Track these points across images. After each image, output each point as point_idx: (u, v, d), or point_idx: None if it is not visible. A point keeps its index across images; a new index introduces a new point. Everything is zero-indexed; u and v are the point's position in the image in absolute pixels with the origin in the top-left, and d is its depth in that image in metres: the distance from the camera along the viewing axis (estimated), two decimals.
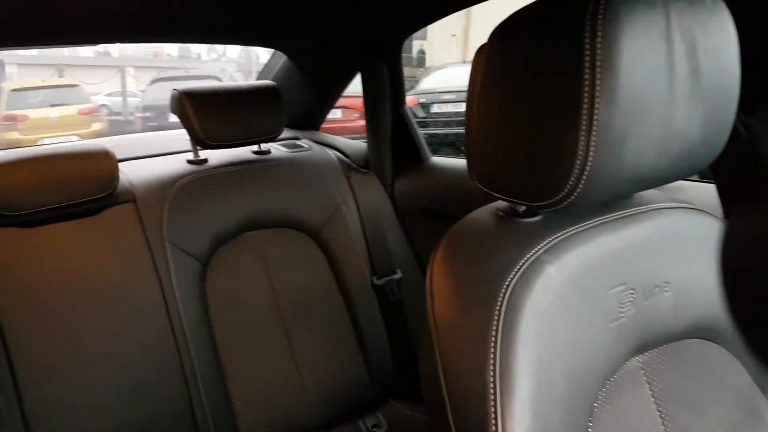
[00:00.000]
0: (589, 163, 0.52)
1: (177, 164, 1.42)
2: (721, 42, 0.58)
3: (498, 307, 0.56)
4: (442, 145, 5.42)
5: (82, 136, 7.12)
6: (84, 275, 1.20)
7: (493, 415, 0.53)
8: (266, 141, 1.49)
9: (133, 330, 1.22)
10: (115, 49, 14.62)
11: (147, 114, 8.81)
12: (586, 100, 0.51)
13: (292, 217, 1.46)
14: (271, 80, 1.67)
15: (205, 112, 1.36)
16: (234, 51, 16.98)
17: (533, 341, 0.55)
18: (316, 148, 1.66)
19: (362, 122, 1.64)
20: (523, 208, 0.65)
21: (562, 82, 0.53)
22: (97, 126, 8.17)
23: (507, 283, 0.58)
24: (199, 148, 1.44)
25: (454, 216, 0.70)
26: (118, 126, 10.15)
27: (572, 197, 0.55)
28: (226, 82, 1.69)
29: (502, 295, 0.57)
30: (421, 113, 5.84)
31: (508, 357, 0.54)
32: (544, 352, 0.56)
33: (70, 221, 1.22)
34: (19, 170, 1.18)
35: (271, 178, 1.47)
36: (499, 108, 0.60)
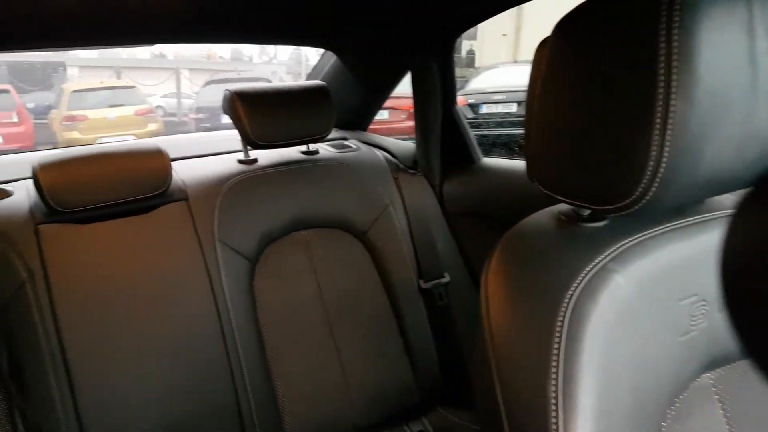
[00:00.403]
0: (663, 165, 0.49)
1: (228, 164, 1.43)
2: None
3: (560, 319, 0.53)
4: (494, 146, 5.35)
5: (138, 136, 7.36)
6: (136, 272, 1.22)
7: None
8: (315, 141, 1.49)
9: (182, 326, 1.23)
10: (171, 51, 15.13)
11: (200, 115, 9.06)
12: (660, 97, 0.47)
13: (339, 218, 1.46)
14: (320, 80, 1.67)
15: (256, 112, 1.37)
16: (285, 53, 17.29)
17: (598, 355, 0.52)
18: (364, 148, 1.65)
19: (409, 123, 1.62)
20: (588, 211, 0.62)
21: (634, 78, 0.49)
22: (152, 126, 8.44)
23: (570, 292, 0.54)
24: (249, 148, 1.45)
25: (507, 219, 0.68)
26: (173, 127, 10.46)
27: (643, 201, 0.51)
28: (276, 83, 1.71)
29: (564, 305, 0.54)
30: (469, 114, 5.79)
31: (571, 371, 0.51)
32: (609, 366, 0.52)
33: (124, 218, 1.25)
34: (76, 168, 1.21)
35: (319, 178, 1.47)
36: (563, 105, 0.57)
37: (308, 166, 1.48)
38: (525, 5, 1.23)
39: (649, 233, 0.59)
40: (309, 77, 1.89)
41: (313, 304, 1.39)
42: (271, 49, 16.86)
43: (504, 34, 11.31)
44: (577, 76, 0.55)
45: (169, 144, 1.38)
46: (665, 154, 0.48)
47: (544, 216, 0.67)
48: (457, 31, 1.47)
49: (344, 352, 1.39)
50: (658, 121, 0.48)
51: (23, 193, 1.24)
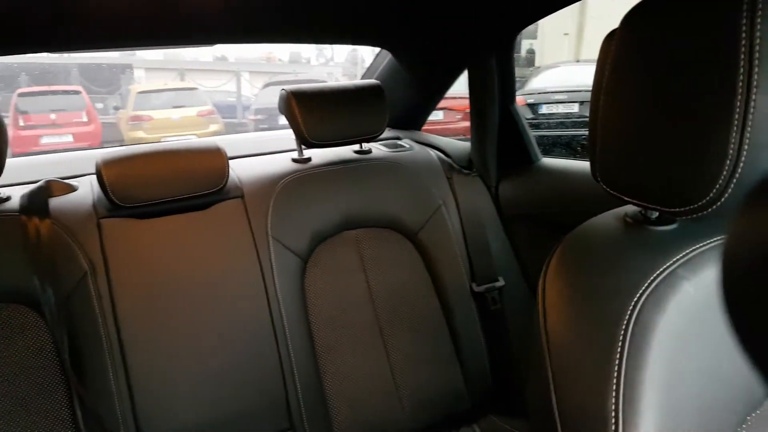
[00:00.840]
0: (741, 165, 0.45)
1: (282, 162, 1.45)
2: None
3: (623, 328, 0.50)
4: (554, 146, 5.22)
5: (200, 137, 7.60)
6: (192, 267, 1.25)
7: None
8: (368, 140, 1.49)
9: (234, 322, 1.25)
10: (232, 54, 15.55)
11: (259, 116, 9.28)
12: (740, 93, 0.44)
13: (390, 218, 1.45)
14: (375, 79, 1.66)
15: (310, 112, 1.38)
16: (341, 55, 17.47)
17: (663, 367, 0.49)
18: (417, 147, 1.64)
19: (464, 124, 1.59)
20: (656, 214, 0.58)
21: (711, 71, 0.46)
22: (213, 127, 8.71)
23: (635, 300, 0.51)
24: (303, 147, 1.46)
25: (567, 222, 0.64)
26: (233, 128, 10.75)
27: (718, 204, 0.47)
28: (331, 83, 1.72)
29: (629, 313, 0.51)
30: (529, 114, 5.68)
31: (633, 383, 0.48)
32: (675, 380, 0.49)
33: (182, 214, 1.28)
34: (137, 164, 1.25)
35: (371, 177, 1.46)
36: (631, 101, 0.53)
37: (361, 165, 1.48)
38: (588, 3, 1.17)
39: (721, 238, 0.55)
40: (364, 77, 1.89)
41: (362, 304, 1.39)
42: (328, 51, 17.11)
43: (566, 33, 11.04)
44: (646, 69, 0.52)
45: (227, 143, 1.41)
46: (743, 153, 0.45)
47: (608, 218, 0.63)
48: (517, 28, 1.43)
49: (394, 354, 1.38)
50: (737, 118, 0.45)
51: (87, 189, 1.29)
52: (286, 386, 1.26)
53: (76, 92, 8.52)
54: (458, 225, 1.51)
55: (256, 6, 1.22)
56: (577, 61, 9.01)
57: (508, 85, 1.51)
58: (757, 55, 0.43)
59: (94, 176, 1.24)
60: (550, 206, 1.44)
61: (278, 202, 1.34)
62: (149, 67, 14.26)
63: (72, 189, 1.28)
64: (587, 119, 0.62)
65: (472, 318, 1.46)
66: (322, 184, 1.40)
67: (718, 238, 0.55)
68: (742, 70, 0.44)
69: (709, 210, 0.49)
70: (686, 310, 0.51)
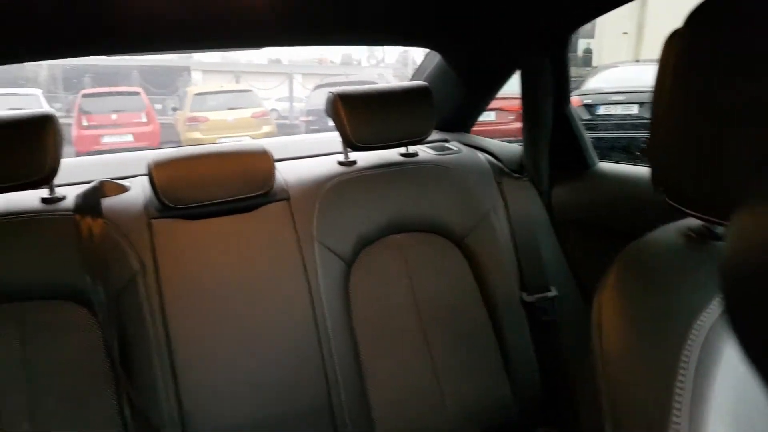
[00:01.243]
0: None
1: (328, 165, 1.45)
2: None
3: (687, 353, 0.46)
4: (612, 149, 5.05)
5: (253, 138, 7.80)
6: (239, 268, 1.26)
7: None
8: (414, 143, 1.47)
9: (278, 324, 1.25)
10: (285, 56, 15.88)
11: (310, 118, 9.44)
12: None
13: (436, 222, 1.42)
14: (423, 81, 1.64)
15: (356, 114, 1.37)
16: (392, 56, 17.58)
17: (731, 398, 0.44)
18: (466, 150, 1.60)
19: (517, 125, 1.54)
20: (722, 229, 0.53)
21: None
22: (266, 128, 8.94)
23: (699, 322, 0.47)
24: (348, 149, 1.46)
25: (625, 233, 0.61)
26: (284, 129, 10.99)
27: None
28: (380, 84, 1.73)
29: (692, 337, 0.47)
30: (585, 115, 5.54)
31: (697, 414, 0.44)
32: (743, 411, 0.44)
33: (230, 216, 1.29)
34: (187, 166, 1.28)
35: (418, 181, 1.44)
36: (696, 102, 0.49)
37: (406, 168, 1.46)
38: (649, 0, 1.11)
39: None
40: (413, 78, 1.88)
41: (407, 310, 1.37)
42: (379, 52, 17.24)
43: (625, 32, 10.72)
44: (713, 68, 0.48)
45: (274, 145, 1.42)
46: None
47: (669, 232, 0.59)
48: (572, 27, 1.38)
49: (439, 362, 1.35)
50: None
51: (139, 189, 1.31)
52: (330, 390, 1.25)
53: (136, 93, 8.91)
54: (508, 231, 1.47)
55: (308, 9, 1.23)
56: (637, 61, 8.75)
57: (562, 87, 1.46)
58: None
59: (146, 177, 1.26)
60: (607, 214, 1.38)
61: (323, 205, 1.33)
62: (206, 69, 14.74)
63: (124, 189, 1.31)
64: (647, 121, 0.58)
65: (522, 328, 1.42)
66: (368, 188, 1.39)
67: None
68: None
69: None
70: None
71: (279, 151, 1.44)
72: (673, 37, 0.54)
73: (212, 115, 8.75)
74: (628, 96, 5.57)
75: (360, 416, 1.26)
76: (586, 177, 1.48)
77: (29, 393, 1.09)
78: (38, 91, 9.28)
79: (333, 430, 1.24)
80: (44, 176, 1.13)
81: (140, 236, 1.22)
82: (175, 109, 10.39)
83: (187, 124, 8.80)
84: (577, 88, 6.13)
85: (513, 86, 1.62)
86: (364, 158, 1.48)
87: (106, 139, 8.05)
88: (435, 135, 1.68)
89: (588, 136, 1.53)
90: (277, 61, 16.36)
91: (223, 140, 7.49)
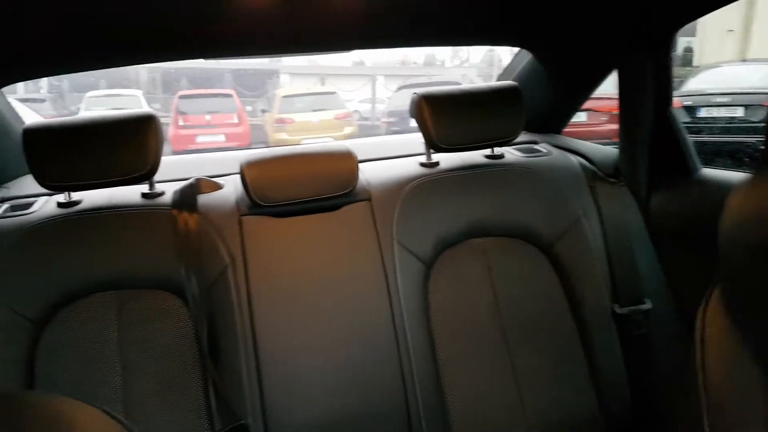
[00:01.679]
0: None
1: (410, 167, 1.45)
2: None
3: None
4: (716, 155, 4.70)
5: (336, 139, 7.97)
6: (321, 265, 1.29)
7: None
8: (500, 145, 1.44)
9: (358, 322, 1.26)
10: (368, 58, 16.10)
11: (392, 119, 9.50)
12: None
13: (521, 227, 1.39)
14: (512, 80, 1.60)
15: (441, 115, 1.37)
16: (477, 56, 17.33)
17: None
18: (556, 152, 1.55)
19: (610, 126, 1.46)
20: None
21: None
22: (348, 130, 9.12)
23: None
24: (431, 151, 1.45)
25: None
26: (367, 130, 11.12)
27: None
28: (465, 85, 1.71)
29: None
30: (685, 118, 5.21)
31: None
32: None
33: (314, 215, 1.32)
34: (276, 166, 1.33)
35: (502, 184, 1.41)
36: None
37: (491, 170, 1.43)
38: None
39: None
40: (500, 78, 1.85)
41: (489, 317, 1.34)
42: (463, 52, 17.05)
43: (730, 30, 9.99)
44: None
45: (357, 146, 1.43)
46: None
47: None
48: (677, 25, 1.29)
49: (521, 372, 1.31)
50: None
51: (231, 187, 1.37)
52: (407, 392, 1.24)
53: (229, 95, 9.33)
54: (600, 239, 1.40)
55: (398, 11, 1.23)
56: (743, 60, 8.13)
57: (664, 88, 1.37)
58: None
59: (238, 176, 1.31)
60: (711, 224, 1.26)
61: (404, 206, 1.33)
62: (294, 72, 15.23)
63: (218, 187, 1.37)
64: (755, 125, 0.52)
65: (613, 341, 1.35)
66: (450, 190, 1.38)
67: None
68: None
69: None
70: None
71: (362, 152, 1.46)
72: None
73: (298, 117, 9.02)
74: (733, 98, 5.19)
75: (435, 418, 1.25)
76: (689, 184, 1.38)
77: (124, 376, 1.16)
78: (139, 92, 9.96)
79: (408, 431, 1.23)
80: (146, 172, 1.20)
81: (231, 232, 1.27)
82: (264, 111, 10.80)
83: (275, 125, 9.14)
84: (677, 88, 5.73)
85: (605, 85, 1.55)
86: (447, 159, 1.46)
87: (200, 139, 8.50)
88: (523, 136, 1.63)
89: (691, 140, 1.42)
90: (361, 63, 16.60)
91: (307, 141, 7.70)
